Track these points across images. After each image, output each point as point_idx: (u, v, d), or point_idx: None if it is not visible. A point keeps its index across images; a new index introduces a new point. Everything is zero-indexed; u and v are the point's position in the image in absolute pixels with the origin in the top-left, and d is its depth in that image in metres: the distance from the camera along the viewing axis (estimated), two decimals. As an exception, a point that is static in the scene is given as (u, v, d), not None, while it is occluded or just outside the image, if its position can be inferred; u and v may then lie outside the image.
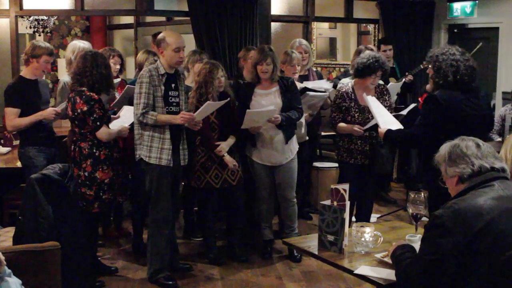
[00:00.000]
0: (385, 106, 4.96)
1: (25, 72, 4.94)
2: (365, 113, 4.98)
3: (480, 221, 2.35)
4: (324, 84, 5.88)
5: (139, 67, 5.67)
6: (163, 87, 4.54)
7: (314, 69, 6.67)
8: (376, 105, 4.69)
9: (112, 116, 4.79)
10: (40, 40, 5.10)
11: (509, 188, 2.49)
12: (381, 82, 5.33)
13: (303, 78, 5.97)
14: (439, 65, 3.98)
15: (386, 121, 4.49)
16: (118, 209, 5.80)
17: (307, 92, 5.53)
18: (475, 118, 3.96)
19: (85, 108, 4.40)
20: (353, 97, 5.06)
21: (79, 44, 5.56)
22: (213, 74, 4.94)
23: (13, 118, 4.82)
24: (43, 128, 4.93)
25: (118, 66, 5.62)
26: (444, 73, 3.95)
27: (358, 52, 6.34)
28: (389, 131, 4.31)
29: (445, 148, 2.63)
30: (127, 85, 5.34)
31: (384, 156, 5.04)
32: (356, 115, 5.01)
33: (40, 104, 4.94)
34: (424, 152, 4.31)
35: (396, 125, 4.45)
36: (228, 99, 4.91)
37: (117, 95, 5.37)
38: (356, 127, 4.93)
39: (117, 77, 5.63)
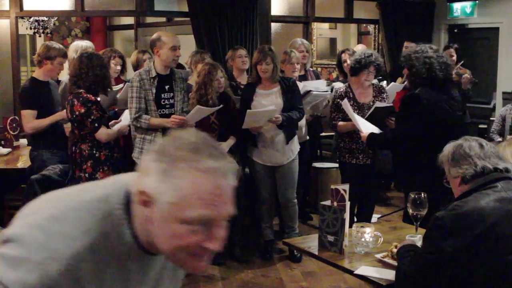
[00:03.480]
0: None
1: (38, 73, 4.93)
2: (364, 110, 5.00)
3: (482, 224, 2.34)
4: (322, 86, 5.89)
5: (133, 68, 5.67)
6: (154, 90, 4.54)
7: (312, 69, 6.66)
8: (352, 110, 4.77)
9: (114, 121, 4.79)
10: (53, 42, 5.10)
11: None
12: (375, 81, 5.36)
13: (301, 77, 5.98)
14: (413, 63, 4.05)
15: (366, 126, 4.55)
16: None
17: (311, 92, 5.54)
18: (452, 119, 4.02)
19: (83, 110, 4.40)
20: (351, 96, 5.09)
21: (82, 44, 5.57)
22: (212, 75, 4.94)
23: (32, 120, 4.82)
24: (56, 131, 4.93)
25: (119, 67, 5.61)
26: (419, 71, 4.02)
27: (339, 57, 6.47)
28: (371, 134, 4.36)
29: (448, 148, 2.62)
30: (126, 84, 5.33)
31: (385, 155, 5.05)
32: (355, 112, 5.02)
33: (54, 106, 4.95)
34: (403, 153, 4.36)
35: (373, 128, 4.52)
36: (221, 106, 4.89)
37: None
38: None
39: (118, 80, 5.63)
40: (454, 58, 6.91)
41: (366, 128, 4.50)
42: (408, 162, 4.18)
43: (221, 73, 5.02)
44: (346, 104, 4.79)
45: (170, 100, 4.64)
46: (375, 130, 4.49)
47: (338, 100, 5.12)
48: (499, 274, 2.34)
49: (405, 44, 7.26)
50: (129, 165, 4.96)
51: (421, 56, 4.02)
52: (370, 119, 4.88)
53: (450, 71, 4.09)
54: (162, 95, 4.59)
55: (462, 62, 6.80)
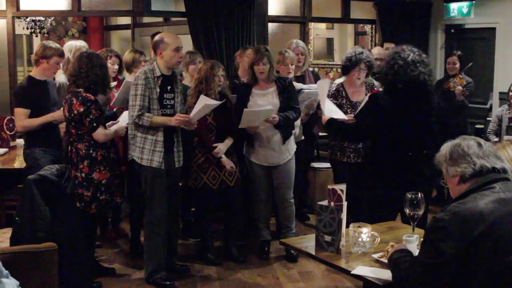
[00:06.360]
0: None
1: (35, 72, 4.92)
2: (357, 109, 5.00)
3: (481, 225, 2.33)
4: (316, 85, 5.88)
5: (126, 67, 5.63)
6: (158, 89, 4.54)
7: (311, 69, 6.65)
8: (325, 92, 4.74)
9: (112, 122, 4.79)
10: (50, 41, 5.10)
11: (510, 190, 2.46)
12: (373, 81, 5.36)
13: (299, 79, 5.97)
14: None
15: (331, 110, 4.54)
16: (116, 210, 5.79)
17: (302, 90, 5.54)
18: (413, 125, 4.00)
19: (82, 109, 4.40)
20: (344, 94, 5.11)
21: (76, 44, 5.58)
22: (214, 71, 4.94)
23: (23, 119, 4.81)
24: (49, 130, 4.92)
25: (116, 66, 5.60)
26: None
27: None
28: (331, 119, 4.39)
29: (446, 147, 2.60)
30: (124, 81, 5.31)
31: None
32: (348, 111, 5.01)
33: (50, 105, 4.94)
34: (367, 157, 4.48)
35: (340, 115, 4.53)
36: (225, 100, 4.91)
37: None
38: (347, 116, 4.91)
39: (116, 79, 5.62)
40: (458, 65, 6.91)
41: (330, 111, 4.51)
42: (370, 164, 4.29)
43: (222, 71, 5.02)
44: (323, 84, 4.80)
45: (171, 100, 4.63)
46: (340, 116, 4.50)
47: (331, 99, 5.15)
48: (499, 275, 2.33)
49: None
50: (127, 166, 4.99)
51: (396, 58, 3.98)
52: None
53: (415, 85, 3.95)
54: (165, 95, 4.59)
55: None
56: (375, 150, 4.21)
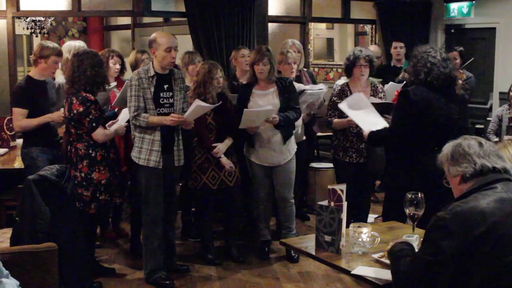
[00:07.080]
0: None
1: (33, 72, 4.93)
2: None
3: (483, 224, 2.33)
4: (318, 86, 5.90)
5: (131, 68, 5.65)
6: (152, 89, 4.54)
7: (307, 70, 6.65)
8: (354, 111, 4.71)
9: (112, 121, 4.79)
10: (48, 41, 5.10)
11: None
12: (376, 81, 5.36)
13: (296, 78, 5.97)
14: (416, 62, 4.12)
15: (369, 121, 4.53)
16: (116, 210, 5.79)
17: (305, 91, 5.55)
18: (443, 119, 4.06)
19: (81, 109, 4.40)
20: (348, 94, 5.11)
21: (75, 44, 5.59)
22: (212, 74, 4.94)
23: (21, 119, 4.82)
24: (47, 129, 4.92)
25: (118, 66, 5.60)
26: (417, 71, 4.09)
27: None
28: (371, 133, 4.38)
29: (447, 147, 2.61)
30: (126, 82, 5.32)
31: (378, 154, 5.06)
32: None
33: (48, 105, 4.94)
34: (391, 153, 4.43)
35: (379, 122, 4.50)
36: (220, 102, 4.89)
37: (117, 94, 5.36)
38: (346, 120, 4.93)
39: (118, 79, 5.63)
40: (458, 61, 6.92)
41: (368, 124, 4.50)
42: (395, 159, 4.26)
43: (220, 73, 5.02)
44: (349, 107, 4.79)
45: (169, 99, 4.63)
46: (378, 123, 4.48)
47: (335, 98, 5.15)
48: (499, 275, 2.33)
49: (394, 44, 7.29)
50: (129, 166, 4.99)
51: (426, 58, 4.08)
52: None
53: (448, 82, 4.11)
54: (161, 94, 4.58)
55: (472, 59, 6.93)
56: (402, 145, 4.19)
